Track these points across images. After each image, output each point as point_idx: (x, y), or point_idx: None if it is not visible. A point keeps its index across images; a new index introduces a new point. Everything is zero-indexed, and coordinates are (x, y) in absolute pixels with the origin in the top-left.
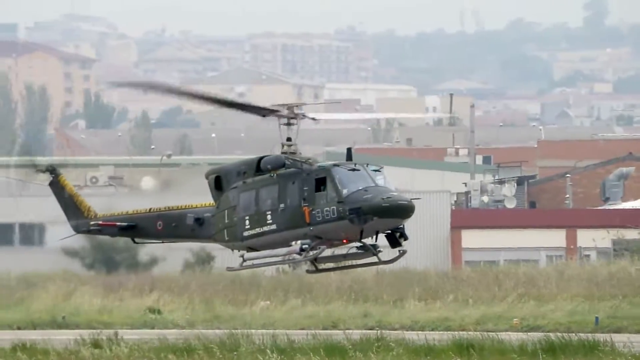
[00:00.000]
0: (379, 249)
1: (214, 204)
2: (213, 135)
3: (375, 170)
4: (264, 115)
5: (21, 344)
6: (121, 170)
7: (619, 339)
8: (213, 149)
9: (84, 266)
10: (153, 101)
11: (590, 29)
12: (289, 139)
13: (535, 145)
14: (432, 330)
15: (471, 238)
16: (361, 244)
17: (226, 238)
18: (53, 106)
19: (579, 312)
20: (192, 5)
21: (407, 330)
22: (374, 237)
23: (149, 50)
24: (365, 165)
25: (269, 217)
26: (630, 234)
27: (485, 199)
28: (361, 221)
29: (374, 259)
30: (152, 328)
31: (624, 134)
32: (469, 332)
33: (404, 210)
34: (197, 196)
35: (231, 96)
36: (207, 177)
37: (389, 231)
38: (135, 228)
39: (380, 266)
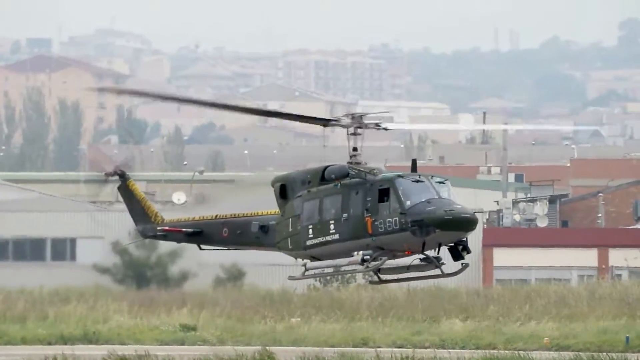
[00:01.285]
0: (442, 262)
1: (279, 212)
2: (245, 151)
3: (440, 183)
4: (325, 125)
5: (52, 358)
6: (153, 186)
7: None
8: (245, 165)
9: (115, 282)
10: (186, 117)
11: (624, 48)
12: (354, 149)
13: (568, 164)
14: (463, 348)
15: (503, 256)
16: (424, 256)
17: (290, 246)
18: (86, 121)
19: (610, 331)
20: (226, 21)
21: (437, 348)
22: (437, 249)
23: (182, 66)
24: (429, 177)
25: (332, 226)
26: None
27: (517, 217)
28: (423, 233)
29: (436, 271)
30: (182, 344)
31: None
32: (500, 351)
33: (467, 223)
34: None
35: None
36: (272, 185)
37: (452, 244)
38: (201, 234)
39: (413, 283)
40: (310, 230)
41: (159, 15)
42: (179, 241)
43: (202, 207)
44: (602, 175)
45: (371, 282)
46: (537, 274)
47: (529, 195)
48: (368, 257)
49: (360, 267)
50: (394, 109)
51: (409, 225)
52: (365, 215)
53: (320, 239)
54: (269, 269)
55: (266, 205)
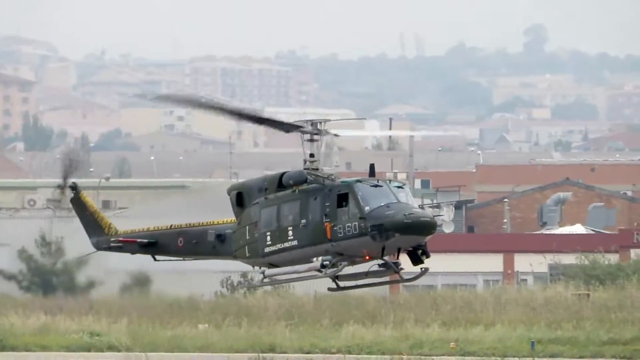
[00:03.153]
0: (400, 267)
1: (235, 220)
2: (152, 158)
3: (398, 187)
4: (287, 131)
5: None
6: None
7: None
8: (152, 172)
9: (20, 289)
10: (92, 124)
11: (529, 55)
12: (311, 155)
13: (474, 170)
14: (369, 354)
15: (409, 262)
16: (383, 262)
17: (247, 254)
18: None
19: (515, 336)
20: (133, 28)
21: (344, 354)
22: (396, 254)
23: (88, 73)
24: (387, 182)
25: (290, 233)
26: (567, 259)
27: None
28: (383, 238)
29: (395, 276)
30: (89, 351)
31: (561, 160)
32: (406, 356)
33: (427, 227)
34: (137, 219)
35: (171, 119)
36: (229, 193)
37: (411, 248)
38: (156, 245)
39: (320, 289)
40: (268, 237)
41: (65, 22)
42: (133, 252)
43: (107, 212)
44: (508, 181)
45: (330, 289)
46: (444, 280)
47: (435, 201)
48: (327, 262)
49: (319, 273)
50: (300, 115)
51: (369, 230)
52: (324, 221)
53: (278, 246)
54: (176, 276)
55: (177, 211)
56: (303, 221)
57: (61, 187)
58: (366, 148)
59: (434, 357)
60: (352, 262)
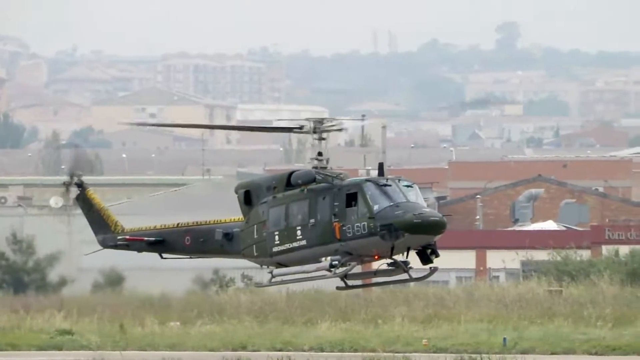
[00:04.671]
0: (409, 266)
1: (243, 219)
2: (124, 155)
3: (407, 186)
4: (291, 132)
5: None
6: (31, 191)
7: None
8: (124, 169)
9: None
10: (64, 121)
11: (502, 52)
12: (319, 154)
13: (446, 167)
14: (341, 351)
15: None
16: (392, 261)
17: (255, 254)
18: None
19: (488, 333)
20: (105, 24)
21: (316, 352)
22: (405, 253)
23: (60, 70)
24: (397, 181)
25: (298, 232)
26: (539, 255)
27: None
28: (392, 237)
29: (404, 275)
30: (60, 350)
31: (533, 156)
32: (378, 353)
33: (436, 226)
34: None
35: (143, 116)
36: (236, 192)
37: (420, 248)
38: (163, 243)
39: (295, 288)
40: (277, 237)
41: (36, 19)
42: (140, 250)
43: (77, 209)
44: (480, 177)
45: (338, 288)
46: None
47: None
48: (336, 262)
49: (328, 273)
50: (274, 112)
51: (378, 229)
52: (333, 221)
53: (287, 246)
54: (149, 273)
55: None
56: (312, 221)
57: (67, 185)
58: (339, 144)
59: (407, 354)
60: (361, 262)
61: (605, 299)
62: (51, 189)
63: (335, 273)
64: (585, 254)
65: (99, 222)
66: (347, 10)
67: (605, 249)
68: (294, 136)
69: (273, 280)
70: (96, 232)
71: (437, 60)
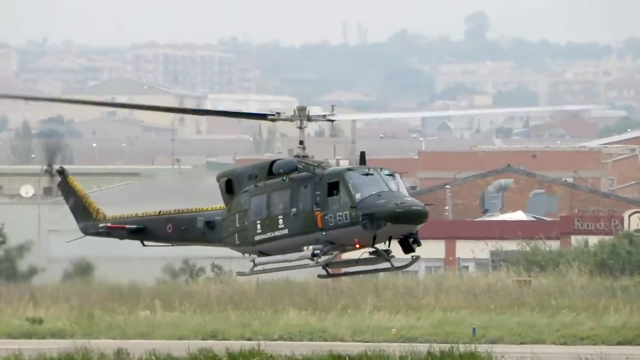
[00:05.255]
0: (391, 255)
1: (225, 207)
2: (94, 145)
3: (389, 175)
4: (273, 120)
5: None
6: (1, 180)
7: (496, 349)
8: (94, 158)
9: None
10: (34, 110)
11: (471, 42)
12: (301, 142)
13: (416, 157)
14: (310, 340)
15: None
16: (374, 250)
17: (237, 242)
18: None
19: (457, 322)
20: (74, 14)
21: (285, 341)
22: (387, 242)
23: (30, 60)
24: (379, 170)
25: (280, 221)
26: (508, 246)
27: None
28: (374, 227)
29: (386, 264)
30: (30, 338)
31: (502, 146)
32: (347, 343)
33: (418, 216)
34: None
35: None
36: (218, 180)
37: (402, 237)
38: (145, 231)
39: (265, 277)
40: (259, 226)
41: (5, 8)
42: (121, 238)
43: (48, 199)
44: (450, 167)
45: (320, 276)
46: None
47: None
48: (318, 251)
49: (310, 262)
50: (243, 102)
51: (360, 219)
52: (315, 210)
53: (268, 234)
54: (119, 262)
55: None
56: (293, 210)
57: (48, 172)
58: (309, 135)
59: (376, 343)
60: (343, 251)
61: (574, 289)
62: (22, 178)
63: (317, 262)
64: (554, 245)
65: (81, 209)
66: (317, 1)
67: (575, 240)
68: (264, 126)
69: (255, 269)
70: (78, 220)
71: (407, 51)
